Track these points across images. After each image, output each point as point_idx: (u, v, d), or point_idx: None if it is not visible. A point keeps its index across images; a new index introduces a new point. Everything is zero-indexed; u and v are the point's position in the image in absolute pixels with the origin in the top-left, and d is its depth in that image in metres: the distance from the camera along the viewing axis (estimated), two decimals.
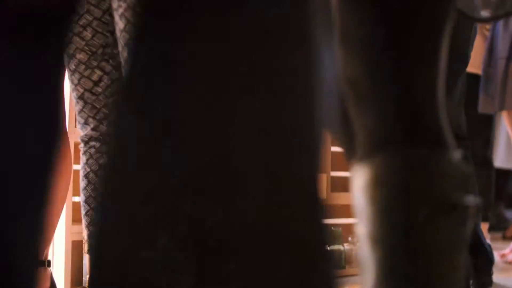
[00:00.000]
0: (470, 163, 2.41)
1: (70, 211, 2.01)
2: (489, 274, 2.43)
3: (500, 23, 2.46)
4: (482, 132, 2.76)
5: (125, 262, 0.43)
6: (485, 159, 2.56)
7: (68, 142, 1.72)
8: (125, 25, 1.43)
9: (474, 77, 2.49)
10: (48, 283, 1.67)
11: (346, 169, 3.25)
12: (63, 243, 2.00)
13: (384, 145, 0.74)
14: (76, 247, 2.01)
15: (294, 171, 0.45)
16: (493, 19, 0.96)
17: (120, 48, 1.46)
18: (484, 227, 3.61)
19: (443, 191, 0.71)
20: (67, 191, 1.73)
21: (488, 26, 2.55)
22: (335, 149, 2.77)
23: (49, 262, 1.69)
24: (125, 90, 0.48)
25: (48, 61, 0.49)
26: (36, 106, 0.47)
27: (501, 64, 2.46)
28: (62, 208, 1.73)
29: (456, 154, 0.73)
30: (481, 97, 2.52)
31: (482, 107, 2.54)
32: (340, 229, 2.71)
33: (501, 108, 2.53)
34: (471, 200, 0.73)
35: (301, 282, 0.44)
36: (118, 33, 1.46)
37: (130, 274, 0.43)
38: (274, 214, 0.44)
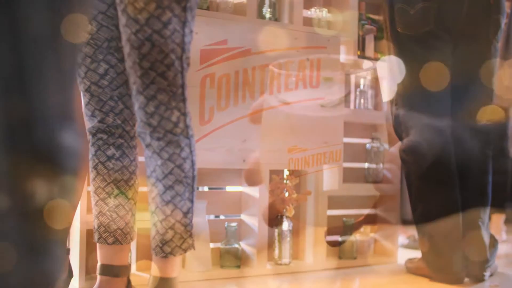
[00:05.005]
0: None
1: (85, 201, 2.03)
2: (483, 267, 2.37)
3: None
4: (499, 123, 2.72)
5: None
6: (502, 150, 2.53)
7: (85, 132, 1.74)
8: (127, 20, 1.43)
9: None
10: (66, 270, 1.71)
11: (358, 161, 3.24)
12: (78, 232, 2.03)
13: None
14: (91, 235, 2.03)
15: None
16: None
17: (123, 43, 1.46)
18: (501, 219, 3.58)
19: None
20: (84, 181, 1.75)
21: None
22: (348, 140, 2.76)
23: (68, 250, 1.71)
24: None
25: None
26: None
27: None
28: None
29: None
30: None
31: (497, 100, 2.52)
32: (353, 219, 2.70)
33: None
34: None
35: None
36: (121, 28, 1.46)
37: None
38: None
